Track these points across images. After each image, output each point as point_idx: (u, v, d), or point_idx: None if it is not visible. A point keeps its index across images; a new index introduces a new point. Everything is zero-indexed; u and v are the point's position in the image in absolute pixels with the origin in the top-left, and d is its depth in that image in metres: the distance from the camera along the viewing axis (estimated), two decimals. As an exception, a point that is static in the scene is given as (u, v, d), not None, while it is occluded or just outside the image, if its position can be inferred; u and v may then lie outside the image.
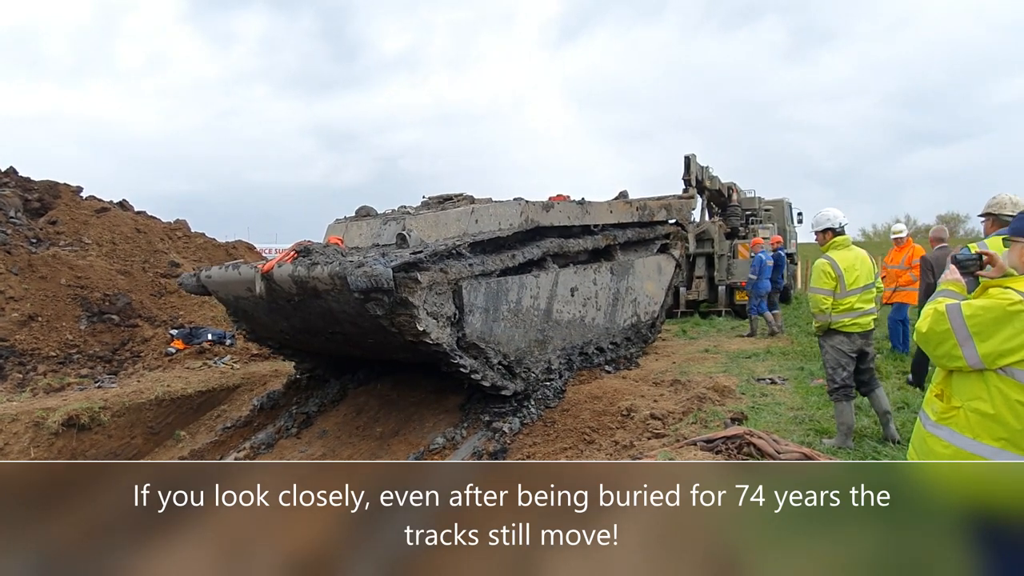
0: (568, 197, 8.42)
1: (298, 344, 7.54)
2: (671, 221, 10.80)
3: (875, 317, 5.48)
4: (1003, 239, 2.71)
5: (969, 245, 2.77)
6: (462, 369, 6.33)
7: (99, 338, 10.36)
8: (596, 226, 8.72)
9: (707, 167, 14.60)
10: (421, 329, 5.76)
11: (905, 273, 8.83)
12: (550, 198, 8.15)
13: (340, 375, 8.14)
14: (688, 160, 13.68)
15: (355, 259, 5.75)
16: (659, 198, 10.85)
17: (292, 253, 6.14)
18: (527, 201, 7.61)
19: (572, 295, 7.99)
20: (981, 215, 5.11)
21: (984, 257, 2.64)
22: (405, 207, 7.87)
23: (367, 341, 6.47)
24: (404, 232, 6.43)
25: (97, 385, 9.06)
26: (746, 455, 4.87)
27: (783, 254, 13.22)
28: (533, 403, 7.04)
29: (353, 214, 7.89)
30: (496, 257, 6.76)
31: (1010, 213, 4.68)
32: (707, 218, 15.90)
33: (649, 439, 5.89)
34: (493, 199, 7.83)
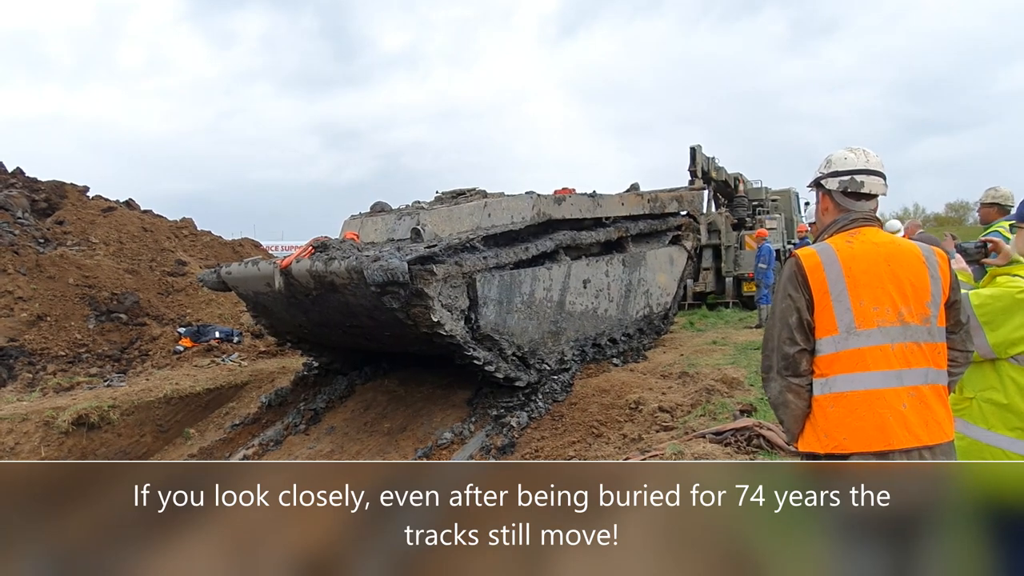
0: (574, 190, 8.41)
1: (316, 338, 7.64)
2: (682, 213, 10.75)
3: None
4: (1010, 225, 2.67)
5: (1000, 227, 2.73)
6: (476, 361, 6.38)
7: (107, 337, 10.40)
8: (608, 218, 8.70)
9: (713, 158, 14.49)
10: (436, 320, 5.84)
11: None
12: (556, 191, 8.14)
13: (350, 370, 8.18)
14: (694, 151, 13.58)
15: (371, 253, 5.84)
16: (670, 190, 10.81)
17: (309, 249, 6.27)
18: (539, 195, 7.66)
19: (584, 287, 8.00)
20: (985, 204, 5.09)
21: (989, 245, 2.59)
22: (419, 202, 7.92)
23: (384, 334, 6.55)
24: (418, 227, 6.54)
25: (106, 384, 9.09)
26: (756, 447, 4.83)
27: (810, 243, 12.94)
28: (541, 397, 7.03)
29: (368, 210, 7.96)
30: (509, 250, 6.83)
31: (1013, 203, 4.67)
32: (714, 209, 15.80)
33: (658, 432, 5.85)
34: (505, 193, 7.86)
